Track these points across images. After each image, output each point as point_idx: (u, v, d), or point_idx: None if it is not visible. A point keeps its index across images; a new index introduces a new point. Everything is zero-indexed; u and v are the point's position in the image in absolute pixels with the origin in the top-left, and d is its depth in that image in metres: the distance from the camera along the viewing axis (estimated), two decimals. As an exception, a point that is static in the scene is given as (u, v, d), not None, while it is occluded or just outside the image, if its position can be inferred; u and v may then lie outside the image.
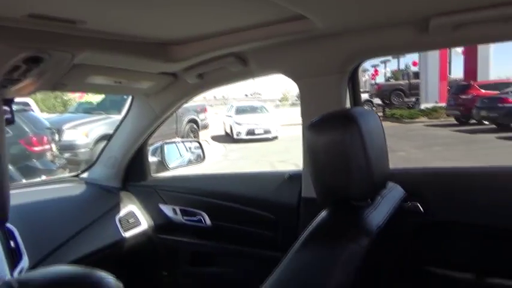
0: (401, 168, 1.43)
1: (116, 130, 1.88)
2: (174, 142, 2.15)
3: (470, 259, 1.23)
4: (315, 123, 0.94)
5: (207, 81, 1.57)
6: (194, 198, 1.81)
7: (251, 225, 1.67)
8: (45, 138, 6.28)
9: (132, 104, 1.79)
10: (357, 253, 0.80)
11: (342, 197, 0.93)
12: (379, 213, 0.91)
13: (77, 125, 7.72)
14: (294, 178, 1.57)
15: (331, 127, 0.92)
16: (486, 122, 11.32)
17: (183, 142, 2.21)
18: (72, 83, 1.29)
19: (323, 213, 0.92)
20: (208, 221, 1.77)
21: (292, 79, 1.41)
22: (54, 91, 1.34)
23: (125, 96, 7.94)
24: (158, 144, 2.05)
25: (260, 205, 1.64)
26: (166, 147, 2.02)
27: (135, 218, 1.85)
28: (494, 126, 10.87)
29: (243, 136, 12.39)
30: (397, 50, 1.25)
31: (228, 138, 12.99)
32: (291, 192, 1.55)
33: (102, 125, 7.78)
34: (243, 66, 1.43)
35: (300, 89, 1.41)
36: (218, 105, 26.64)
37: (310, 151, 0.96)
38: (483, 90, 12.43)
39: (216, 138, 12.66)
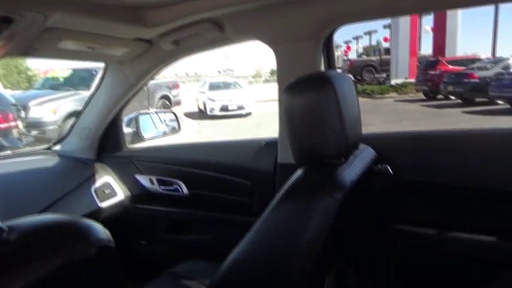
0: (371, 133, 1.48)
1: (88, 100, 1.84)
2: (149, 113, 2.13)
3: (434, 216, 1.31)
4: (291, 85, 0.97)
5: (182, 48, 1.55)
6: (170, 167, 1.82)
7: (228, 193, 1.71)
8: (10, 115, 6.07)
9: (105, 73, 1.76)
10: (332, 206, 0.84)
11: (318, 156, 0.96)
12: (352, 171, 0.96)
13: (44, 101, 7.46)
14: (270, 145, 1.60)
15: (307, 89, 0.95)
16: (453, 97, 11.70)
17: (157, 113, 2.19)
18: (44, 48, 1.26)
19: (298, 172, 0.96)
20: (185, 190, 1.79)
21: (268, 45, 1.42)
22: (25, 57, 1.30)
23: (94, 72, 7.73)
24: (133, 115, 2.02)
25: (236, 172, 1.67)
26: (141, 118, 2.01)
27: (111, 189, 1.84)
28: (460, 101, 11.27)
29: (217, 112, 12.32)
30: (370, 16, 1.28)
31: (201, 114, 12.89)
32: (267, 159, 1.58)
33: (71, 101, 7.55)
34: (219, 32, 1.43)
35: (276, 54, 1.42)
36: (191, 81, 26.21)
37: (286, 114, 0.98)
38: (450, 66, 12.79)
39: (189, 115, 12.54)
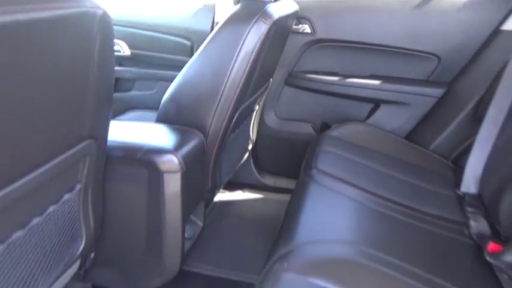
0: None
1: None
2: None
3: (338, 67, 1.67)
4: None
5: None
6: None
7: (168, 52, 1.89)
8: None
9: None
10: (262, 28, 1.10)
11: None
12: (278, 9, 1.22)
13: None
14: (208, 6, 1.78)
15: None
16: None
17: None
18: None
19: (236, 6, 1.19)
20: (127, 50, 1.94)
21: None
22: None
23: None
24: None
25: (176, 32, 1.84)
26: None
27: None
28: None
29: None
30: None
31: None
32: (206, 20, 1.77)
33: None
34: None
35: None
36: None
37: None
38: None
39: None
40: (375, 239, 0.92)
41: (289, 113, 1.78)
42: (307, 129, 1.75)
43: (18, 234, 0.68)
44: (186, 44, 1.85)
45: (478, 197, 1.16)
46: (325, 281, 0.73)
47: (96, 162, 0.85)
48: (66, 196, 0.81)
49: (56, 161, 0.70)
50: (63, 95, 0.66)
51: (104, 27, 0.67)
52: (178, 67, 1.90)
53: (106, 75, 0.75)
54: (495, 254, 0.90)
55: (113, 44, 0.75)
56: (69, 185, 0.81)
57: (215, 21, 1.74)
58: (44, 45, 0.57)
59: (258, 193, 1.85)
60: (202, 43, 1.79)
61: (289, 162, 1.80)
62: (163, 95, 1.26)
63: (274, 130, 1.78)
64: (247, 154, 1.70)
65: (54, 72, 0.61)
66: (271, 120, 1.78)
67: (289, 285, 0.74)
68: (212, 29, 1.76)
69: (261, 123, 1.78)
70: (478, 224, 1.03)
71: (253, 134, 1.71)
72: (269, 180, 1.87)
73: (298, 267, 0.77)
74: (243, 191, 1.86)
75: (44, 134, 0.65)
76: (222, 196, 1.80)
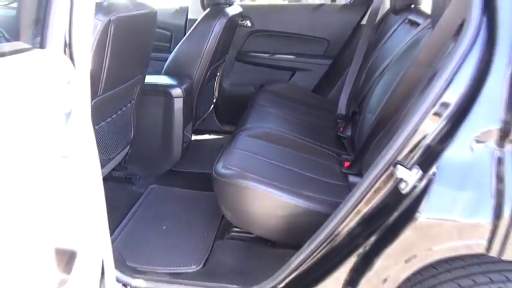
0: (241, 4, 2.65)
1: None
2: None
3: (270, 47, 2.60)
4: None
5: None
6: None
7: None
8: None
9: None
10: (223, 23, 1.99)
11: (215, 3, 2.09)
12: (231, 11, 2.11)
13: None
14: (182, 8, 2.65)
15: None
16: None
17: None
18: None
19: (206, 11, 2.07)
20: None
21: None
22: None
23: None
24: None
25: (160, 25, 2.67)
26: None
27: None
28: None
29: None
30: None
31: None
32: (181, 17, 2.65)
33: None
34: None
35: None
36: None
37: None
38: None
39: None
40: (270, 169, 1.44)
41: (238, 79, 2.68)
42: (249, 89, 2.66)
43: (112, 117, 1.52)
44: (167, 33, 2.70)
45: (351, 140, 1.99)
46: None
47: (139, 90, 1.70)
48: (128, 105, 1.65)
49: (130, 82, 1.55)
50: (141, 57, 1.53)
51: (155, 21, 1.56)
52: (161, 50, 2.74)
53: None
54: (347, 168, 1.62)
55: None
56: (129, 99, 1.66)
57: (188, 18, 2.62)
58: (140, 28, 1.44)
59: (219, 135, 2.73)
60: (178, 33, 2.66)
61: (238, 113, 2.70)
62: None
63: (229, 91, 2.68)
64: (212, 107, 2.58)
65: (143, 43, 1.49)
66: (227, 84, 2.68)
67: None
68: (186, 23, 2.63)
69: (220, 87, 2.66)
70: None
71: (215, 93, 2.59)
72: (226, 127, 2.75)
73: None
74: (209, 135, 2.74)
75: (129, 71, 1.51)
76: (195, 137, 2.66)
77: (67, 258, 0.82)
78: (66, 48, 0.81)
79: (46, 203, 0.77)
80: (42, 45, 0.80)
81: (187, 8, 2.64)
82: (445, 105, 0.90)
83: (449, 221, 0.92)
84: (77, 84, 0.81)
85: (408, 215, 0.94)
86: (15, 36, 0.84)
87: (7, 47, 0.83)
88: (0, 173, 0.66)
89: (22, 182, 0.71)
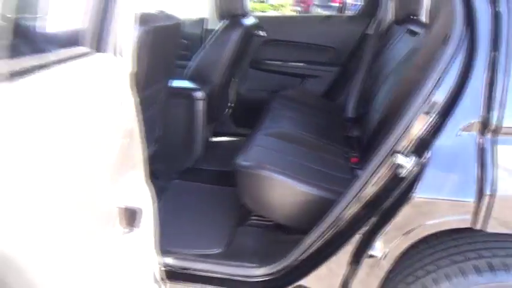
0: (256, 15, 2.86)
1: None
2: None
3: (281, 56, 2.80)
4: None
5: None
6: None
7: None
8: None
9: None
10: (239, 32, 2.19)
11: (232, 14, 2.28)
12: (247, 21, 2.30)
13: None
14: (200, 19, 2.86)
15: None
16: (320, 18, 13.76)
17: None
18: None
19: (223, 22, 2.27)
20: None
21: None
22: None
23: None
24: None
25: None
26: None
27: None
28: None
29: None
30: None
31: None
32: (198, 27, 2.86)
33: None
34: None
35: None
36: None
37: None
38: (320, -10, 14.69)
39: None
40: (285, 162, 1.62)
41: (252, 85, 2.88)
42: (263, 95, 2.84)
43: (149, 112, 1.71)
44: (185, 42, 2.90)
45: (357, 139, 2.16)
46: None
47: (165, 93, 1.88)
48: (155, 106, 1.84)
49: (157, 85, 1.75)
50: (167, 64, 1.73)
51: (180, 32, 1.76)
52: (181, 57, 2.94)
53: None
54: (354, 164, 1.79)
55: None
56: (156, 101, 1.85)
57: (205, 28, 2.83)
58: (169, 38, 1.64)
59: (235, 137, 2.91)
60: (195, 42, 2.87)
61: (253, 116, 2.89)
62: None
63: (244, 96, 2.87)
64: (228, 110, 2.77)
65: (169, 52, 1.69)
66: (242, 89, 2.87)
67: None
68: (202, 33, 2.84)
69: (236, 92, 2.85)
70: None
71: (231, 97, 2.78)
72: (241, 130, 2.94)
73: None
74: (226, 137, 2.92)
75: (157, 76, 1.70)
76: (213, 139, 2.85)
77: (130, 215, 0.98)
78: (118, 54, 0.93)
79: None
80: (103, 50, 0.90)
81: (203, 19, 2.85)
82: (435, 101, 1.08)
83: (440, 200, 1.09)
84: (129, 84, 0.98)
85: (405, 196, 1.11)
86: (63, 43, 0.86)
87: (69, 52, 0.87)
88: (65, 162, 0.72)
89: (82, 165, 0.78)
